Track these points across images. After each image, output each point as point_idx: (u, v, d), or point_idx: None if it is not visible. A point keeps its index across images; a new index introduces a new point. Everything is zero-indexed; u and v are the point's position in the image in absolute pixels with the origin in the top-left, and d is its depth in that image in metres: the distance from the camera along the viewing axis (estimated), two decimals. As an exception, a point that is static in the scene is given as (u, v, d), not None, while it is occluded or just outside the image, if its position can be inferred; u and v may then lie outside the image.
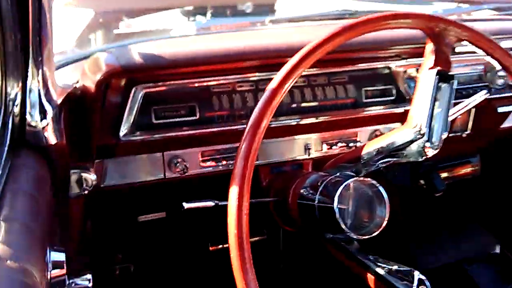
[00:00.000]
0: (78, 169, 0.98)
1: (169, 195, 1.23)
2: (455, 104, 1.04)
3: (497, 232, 1.62)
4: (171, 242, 1.48)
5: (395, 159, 0.82)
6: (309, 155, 1.25)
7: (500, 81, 1.14)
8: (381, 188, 0.88)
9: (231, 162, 1.18)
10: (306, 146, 1.24)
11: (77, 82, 0.97)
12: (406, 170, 1.57)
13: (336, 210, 0.89)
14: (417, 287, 0.80)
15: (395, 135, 0.79)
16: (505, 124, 1.42)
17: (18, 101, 0.72)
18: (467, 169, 1.56)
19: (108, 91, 0.92)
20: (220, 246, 1.57)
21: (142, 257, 1.50)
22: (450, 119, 0.81)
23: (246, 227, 0.67)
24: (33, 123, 0.73)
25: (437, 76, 0.79)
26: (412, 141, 0.75)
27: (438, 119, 0.77)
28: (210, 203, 0.89)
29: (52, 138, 0.75)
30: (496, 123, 1.41)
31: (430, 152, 0.74)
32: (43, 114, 0.73)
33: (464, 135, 1.37)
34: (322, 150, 1.26)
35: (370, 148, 0.85)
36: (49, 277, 0.62)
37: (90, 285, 0.68)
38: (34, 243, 0.58)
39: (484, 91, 1.07)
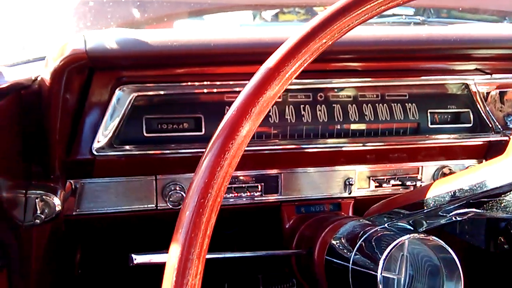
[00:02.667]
0: (39, 190, 0.75)
1: (167, 232, 0.97)
2: None
3: None
4: None
5: (482, 210, 0.50)
6: (349, 193, 0.95)
7: None
8: (453, 255, 0.57)
9: (245, 195, 0.91)
10: (347, 181, 0.95)
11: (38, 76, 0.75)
12: (480, 223, 1.20)
13: (380, 280, 0.59)
14: None
15: (487, 171, 0.48)
16: None
17: None
18: None
19: (71, 85, 0.69)
20: None
21: None
22: None
23: None
24: None
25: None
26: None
27: None
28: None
29: None
30: None
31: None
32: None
33: None
34: (368, 187, 0.96)
35: (440, 189, 0.54)
36: None
37: None
38: None
39: None
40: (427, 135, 0.93)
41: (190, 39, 0.72)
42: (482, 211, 0.51)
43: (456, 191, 0.51)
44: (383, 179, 0.97)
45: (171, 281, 0.38)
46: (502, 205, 0.46)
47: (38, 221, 0.72)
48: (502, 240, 1.17)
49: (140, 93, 0.80)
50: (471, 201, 0.52)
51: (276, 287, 1.31)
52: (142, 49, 0.70)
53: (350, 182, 0.95)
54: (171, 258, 0.39)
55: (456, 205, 0.53)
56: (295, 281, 1.32)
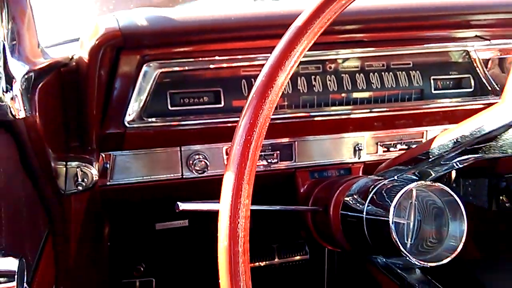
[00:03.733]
0: (78, 161, 0.83)
1: (191, 199, 1.04)
2: None
3: None
4: (196, 255, 1.29)
5: (480, 154, 0.57)
6: (359, 158, 1.02)
7: None
8: (455, 196, 0.64)
9: (263, 162, 0.98)
10: (356, 147, 1.01)
11: (74, 55, 0.82)
12: (482, 184, 1.27)
13: (392, 226, 0.67)
14: None
15: (484, 117, 0.54)
16: None
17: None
18: None
19: (103, 62, 0.76)
20: (257, 263, 1.37)
21: (165, 270, 1.32)
22: None
23: (244, 240, 0.46)
24: None
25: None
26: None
27: None
28: (214, 206, 0.69)
29: (20, 112, 0.60)
30: None
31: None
32: (8, 79, 0.57)
33: None
34: (376, 152, 1.03)
35: (444, 139, 0.61)
36: None
37: None
38: None
39: None
40: (431, 100, 0.99)
41: (211, 14, 0.79)
42: (481, 154, 0.57)
43: (458, 137, 0.58)
44: (390, 144, 1.03)
45: (229, 200, 0.45)
46: (499, 145, 0.53)
47: (80, 188, 0.80)
48: (504, 199, 1.24)
49: (163, 70, 0.87)
50: (470, 147, 0.59)
51: (290, 255, 1.40)
52: (172, 25, 0.76)
53: (360, 148, 1.02)
54: (226, 182, 0.46)
55: (458, 151, 0.60)
56: (308, 249, 1.40)
